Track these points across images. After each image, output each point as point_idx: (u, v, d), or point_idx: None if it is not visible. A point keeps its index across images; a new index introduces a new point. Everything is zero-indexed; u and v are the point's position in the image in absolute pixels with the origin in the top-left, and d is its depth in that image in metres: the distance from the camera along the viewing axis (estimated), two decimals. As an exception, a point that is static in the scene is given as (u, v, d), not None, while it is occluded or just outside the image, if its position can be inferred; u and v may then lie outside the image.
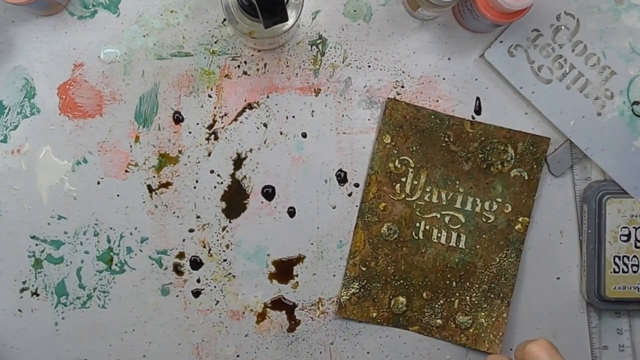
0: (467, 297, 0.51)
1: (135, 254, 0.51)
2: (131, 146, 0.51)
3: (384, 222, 0.51)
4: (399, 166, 0.50)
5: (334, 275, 0.51)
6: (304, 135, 0.51)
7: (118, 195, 0.51)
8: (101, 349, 0.51)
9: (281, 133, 0.51)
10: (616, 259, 0.50)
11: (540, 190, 0.51)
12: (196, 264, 0.51)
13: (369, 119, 0.51)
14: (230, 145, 0.51)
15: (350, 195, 0.51)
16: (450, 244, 0.51)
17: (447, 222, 0.51)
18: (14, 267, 0.51)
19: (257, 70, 0.51)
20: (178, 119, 0.51)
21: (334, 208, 0.51)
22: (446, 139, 0.50)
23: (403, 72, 0.51)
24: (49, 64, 0.50)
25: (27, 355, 0.51)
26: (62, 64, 0.50)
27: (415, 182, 0.51)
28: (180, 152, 0.51)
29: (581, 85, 0.51)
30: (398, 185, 0.51)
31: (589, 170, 0.51)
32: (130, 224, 0.51)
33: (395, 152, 0.50)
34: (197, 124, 0.51)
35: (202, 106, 0.51)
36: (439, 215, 0.51)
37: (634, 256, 0.51)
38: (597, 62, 0.51)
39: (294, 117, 0.51)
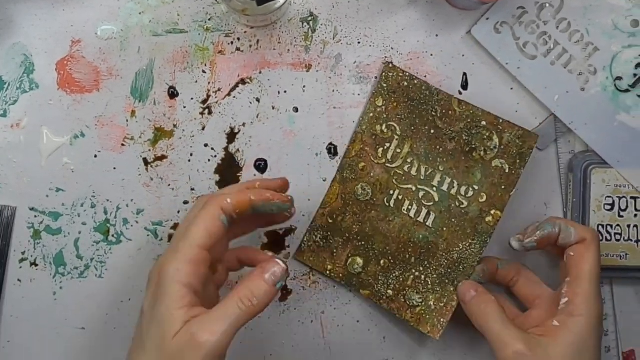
0: (423, 277, 0.51)
1: (132, 225, 0.52)
2: (127, 120, 0.52)
3: (359, 182, 0.51)
4: (385, 130, 0.51)
5: (325, 246, 0.53)
6: (296, 110, 0.52)
7: (115, 168, 0.52)
8: (98, 318, 0.52)
9: (273, 108, 0.52)
10: (600, 227, 0.52)
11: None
12: (191, 235, 0.52)
13: (358, 94, 0.52)
14: (224, 120, 0.52)
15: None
16: (419, 219, 0.51)
17: (420, 197, 0.51)
18: (14, 238, 0.52)
19: (250, 46, 0.52)
20: (173, 94, 0.52)
21: (324, 180, 0.53)
22: (433, 113, 0.51)
23: (392, 48, 0.52)
24: (47, 40, 0.52)
25: (26, 324, 0.52)
26: (60, 40, 0.52)
27: (398, 151, 0.51)
28: (175, 126, 0.52)
29: (565, 61, 0.52)
30: (381, 149, 0.51)
31: (572, 144, 0.53)
32: (126, 196, 0.52)
33: (385, 116, 0.51)
34: (192, 98, 0.52)
35: (196, 81, 0.52)
36: (414, 188, 0.51)
37: (617, 225, 0.52)
38: (581, 39, 0.52)
39: (285, 92, 0.52)
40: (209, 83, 0.52)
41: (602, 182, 0.52)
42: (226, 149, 0.52)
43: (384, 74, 0.51)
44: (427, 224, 0.51)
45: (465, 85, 0.53)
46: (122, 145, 0.52)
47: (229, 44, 0.52)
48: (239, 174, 0.52)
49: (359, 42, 0.52)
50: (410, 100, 0.51)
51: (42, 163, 0.52)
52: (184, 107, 0.52)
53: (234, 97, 0.52)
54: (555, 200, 0.53)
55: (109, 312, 0.52)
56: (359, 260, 0.51)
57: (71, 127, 0.52)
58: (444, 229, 0.51)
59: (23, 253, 0.52)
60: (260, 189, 0.45)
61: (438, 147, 0.51)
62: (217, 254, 0.46)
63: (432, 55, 0.52)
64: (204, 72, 0.52)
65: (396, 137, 0.51)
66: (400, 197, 0.51)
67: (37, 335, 0.52)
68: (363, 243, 0.51)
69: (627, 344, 0.54)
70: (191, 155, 0.52)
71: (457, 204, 0.51)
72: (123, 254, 0.52)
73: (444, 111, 0.51)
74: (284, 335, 0.53)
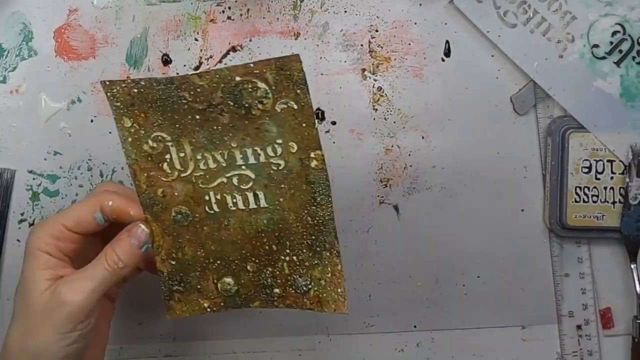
0: (294, 257, 0.45)
1: (126, 188, 0.54)
2: (122, 86, 0.54)
3: (170, 208, 0.45)
4: (154, 145, 0.44)
5: (313, 208, 0.55)
6: (285, 76, 0.54)
7: (110, 133, 0.54)
8: (94, 277, 0.54)
9: (263, 74, 0.54)
10: (577, 189, 0.54)
11: (502, 128, 0.54)
12: (183, 196, 0.55)
13: (345, 61, 0.54)
14: (215, 86, 0.54)
15: (327, 132, 0.54)
16: (251, 207, 0.45)
17: (236, 183, 0.45)
18: (13, 200, 0.54)
19: (241, 15, 0.54)
20: (166, 61, 0.54)
21: (312, 144, 0.55)
22: (184, 101, 0.43)
23: (377, 17, 0.54)
24: (45, 9, 0.54)
25: (25, 282, 0.54)
26: (57, 9, 0.54)
27: (182, 155, 0.44)
28: (168, 92, 0.54)
29: (544, 29, 0.54)
30: (165, 164, 0.45)
31: (551, 109, 0.55)
32: (121, 160, 0.54)
33: (143, 132, 0.44)
34: (184, 65, 0.54)
35: (189, 49, 0.54)
36: (225, 180, 0.45)
37: (594, 187, 0.54)
38: (559, 8, 0.54)
39: (275, 59, 0.54)
40: (200, 50, 0.54)
41: (579, 145, 0.54)
42: (217, 114, 0.54)
43: (108, 94, 0.44)
44: (262, 205, 0.45)
45: (447, 53, 0.55)
46: (118, 110, 0.54)
47: (220, 12, 0.54)
48: (229, 138, 0.55)
49: (345, 11, 0.54)
50: (153, 103, 0.43)
51: (40, 127, 0.54)
52: (177, 74, 0.54)
53: (225, 64, 0.54)
54: (535, 164, 0.55)
55: (105, 271, 0.54)
56: (228, 280, 0.46)
57: (68, 92, 0.54)
58: (280, 199, 0.45)
59: (22, 214, 0.54)
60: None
61: (215, 127, 0.44)
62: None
63: (415, 23, 0.54)
64: (196, 39, 0.54)
65: (169, 144, 0.44)
66: (219, 197, 0.45)
67: (35, 293, 0.54)
68: (219, 262, 0.46)
69: (603, 302, 0.56)
70: (184, 120, 0.54)
71: (275, 168, 0.44)
72: (118, 215, 0.54)
73: (192, 92, 0.43)
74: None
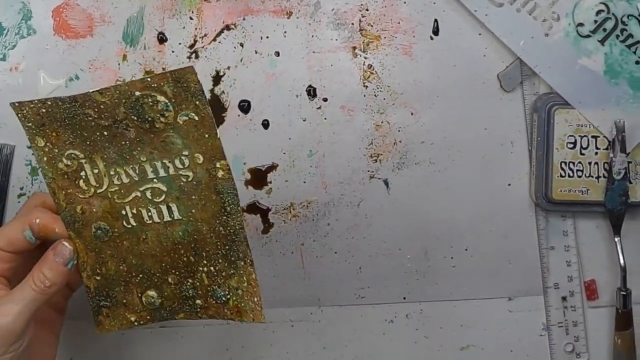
0: (212, 268, 0.46)
1: (123, 163, 0.56)
2: (119, 64, 0.55)
3: (90, 225, 0.46)
4: (69, 163, 0.45)
5: (304, 182, 0.56)
6: (277, 54, 0.56)
7: (107, 109, 0.56)
8: (92, 249, 0.56)
9: (256, 52, 0.56)
10: (563, 164, 0.55)
11: (489, 104, 0.56)
12: (178, 171, 0.56)
13: (336, 39, 0.56)
14: (210, 63, 0.56)
15: (319, 108, 0.56)
16: (166, 219, 0.46)
17: (150, 197, 0.45)
18: (12, 175, 0.56)
19: (234, -6, 0.56)
20: (162, 39, 0.56)
21: (304, 120, 0.56)
22: (90, 118, 0.44)
23: (367, -4, 0.56)
24: (44, -12, 0.55)
25: (24, 254, 0.56)
26: (56, -12, 0.55)
27: (96, 171, 0.45)
28: (164, 69, 0.56)
29: (530, 8, 0.55)
30: (81, 181, 0.46)
31: (537, 86, 0.56)
32: (118, 135, 0.56)
33: (57, 151, 0.45)
34: (180, 43, 0.56)
35: (184, 27, 0.56)
36: (139, 194, 0.46)
37: (579, 162, 0.55)
38: (545, -13, 0.56)
39: (267, 37, 0.56)
40: (195, 29, 0.56)
41: (564, 122, 0.55)
42: (212, 90, 0.56)
43: (18, 114, 0.45)
44: (175, 217, 0.46)
45: (436, 31, 0.56)
46: (114, 87, 0.56)
47: (214, -8, 0.56)
48: (224, 114, 0.56)
49: (336, -9, 0.56)
50: (61, 122, 0.44)
51: (39, 104, 0.55)
52: (172, 52, 0.56)
53: (219, 42, 0.56)
54: (521, 139, 0.56)
55: (102, 243, 0.56)
56: (151, 293, 0.47)
57: (66, 70, 0.55)
58: (193, 211, 0.45)
59: (21, 188, 0.56)
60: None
61: (123, 142, 0.44)
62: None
63: (405, 2, 0.56)
64: (191, 18, 0.56)
65: (83, 161, 0.45)
66: (135, 211, 0.46)
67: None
68: (141, 276, 0.47)
69: (588, 274, 0.57)
70: (179, 96, 0.56)
71: (184, 180, 0.45)
72: (115, 190, 0.56)
73: (96, 109, 0.44)
74: (266, 265, 0.56)
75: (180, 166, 0.44)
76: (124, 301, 0.48)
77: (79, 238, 0.46)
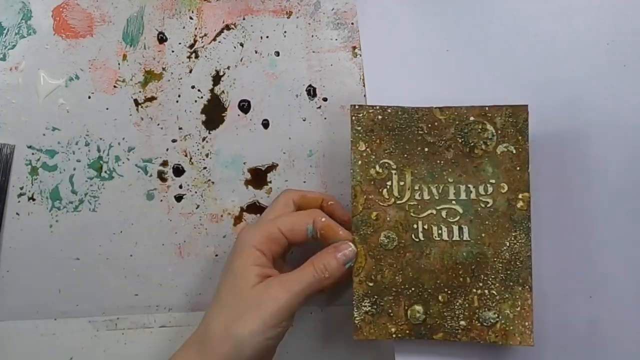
0: (486, 291, 0.48)
1: (123, 162, 0.56)
2: (119, 64, 0.56)
3: (380, 232, 0.49)
4: (380, 171, 0.49)
5: (304, 182, 0.56)
6: (277, 54, 0.56)
7: (107, 109, 0.56)
8: (92, 249, 0.56)
9: (256, 52, 0.56)
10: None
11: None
12: (178, 171, 0.56)
13: (336, 39, 0.56)
14: (210, 63, 0.56)
15: (319, 108, 0.56)
16: (454, 239, 0.49)
17: (444, 216, 0.49)
18: (12, 174, 0.55)
19: (234, -6, 0.56)
20: (162, 39, 0.56)
21: (304, 120, 0.56)
22: (420, 132, 0.49)
23: (367, -4, 0.56)
24: (44, -12, 0.55)
25: (23, 254, 0.55)
26: (56, -12, 0.55)
27: (402, 183, 0.49)
28: (164, 69, 0.56)
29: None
30: (385, 190, 0.49)
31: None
32: (118, 135, 0.56)
33: (373, 157, 0.49)
34: (180, 43, 0.56)
35: (184, 27, 0.56)
36: (434, 212, 0.49)
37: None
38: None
39: (267, 37, 0.56)
40: (195, 29, 0.56)
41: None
42: (212, 90, 0.56)
43: (353, 117, 0.49)
44: (464, 238, 0.49)
45: (436, 31, 0.56)
46: (114, 87, 0.56)
47: (214, -8, 0.56)
48: (223, 114, 0.56)
49: (336, -10, 0.56)
50: (391, 131, 0.49)
51: (39, 104, 0.55)
52: (172, 51, 0.56)
53: (219, 42, 0.56)
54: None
55: (102, 243, 0.56)
56: (418, 308, 0.49)
57: (66, 70, 0.55)
58: (483, 235, 0.48)
59: (21, 188, 0.56)
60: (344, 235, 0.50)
61: (438, 161, 0.49)
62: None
63: (405, 2, 0.56)
64: (191, 18, 0.56)
65: (394, 172, 0.49)
66: (426, 227, 0.49)
67: (34, 265, 0.55)
68: (413, 289, 0.49)
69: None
70: (179, 96, 0.56)
71: (483, 205, 0.48)
72: (115, 189, 0.56)
73: (429, 125, 0.49)
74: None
75: (483, 192, 0.48)
76: (390, 312, 0.49)
77: (362, 243, 0.49)
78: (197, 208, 0.56)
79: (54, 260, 0.55)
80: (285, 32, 0.56)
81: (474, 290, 0.48)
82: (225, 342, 0.45)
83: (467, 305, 0.48)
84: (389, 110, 0.49)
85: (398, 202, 0.49)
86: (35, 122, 0.55)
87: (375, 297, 0.49)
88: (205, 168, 0.56)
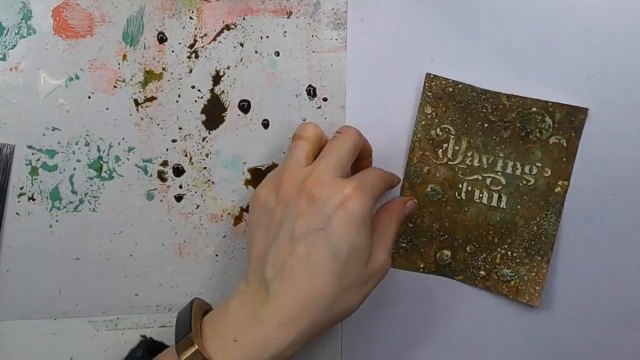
0: (509, 252, 0.54)
1: (123, 162, 0.56)
2: (119, 64, 0.55)
3: (428, 184, 0.55)
4: (440, 133, 0.54)
5: (305, 182, 0.56)
6: (277, 54, 0.56)
7: (107, 109, 0.56)
8: (92, 249, 0.56)
9: (256, 52, 0.56)
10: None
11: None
12: (178, 171, 0.56)
13: (336, 39, 0.56)
14: (210, 63, 0.56)
15: (319, 108, 0.56)
16: (492, 204, 0.54)
17: (488, 184, 0.54)
18: (12, 174, 0.55)
19: (234, -6, 0.56)
20: (162, 39, 0.56)
21: (304, 120, 0.56)
22: (484, 110, 0.53)
23: (367, -4, 0.56)
24: (44, -12, 0.55)
25: (23, 254, 0.55)
26: (56, -12, 0.55)
27: (457, 148, 0.54)
28: (164, 69, 0.56)
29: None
30: (440, 150, 0.54)
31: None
32: (118, 135, 0.56)
33: (437, 121, 0.54)
34: (180, 43, 0.56)
35: (184, 27, 0.56)
36: (480, 178, 0.54)
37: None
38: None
39: (267, 37, 0.56)
40: (195, 29, 0.56)
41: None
42: (212, 90, 0.56)
43: (426, 84, 0.54)
44: (501, 206, 0.54)
45: (436, 31, 0.56)
46: (114, 87, 0.56)
47: (214, -8, 0.56)
48: (223, 114, 0.56)
49: (336, -10, 0.56)
50: (458, 103, 0.53)
51: (39, 104, 0.55)
52: (172, 51, 0.56)
53: (219, 42, 0.56)
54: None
55: (102, 243, 0.56)
56: (447, 252, 0.55)
57: (66, 70, 0.55)
58: (518, 207, 0.54)
59: (21, 188, 0.56)
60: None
61: (494, 137, 0.53)
62: None
63: (405, 2, 0.56)
64: (191, 18, 0.56)
65: (452, 136, 0.54)
66: (469, 189, 0.54)
67: (34, 265, 0.55)
68: (446, 237, 0.55)
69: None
70: (179, 96, 0.56)
71: (525, 182, 0.53)
72: (115, 189, 0.56)
73: (494, 106, 0.53)
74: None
75: (528, 172, 0.53)
76: (422, 250, 0.55)
77: (409, 189, 0.55)
78: (197, 208, 0.56)
79: (54, 260, 0.55)
80: (285, 32, 0.56)
81: (499, 249, 0.54)
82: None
83: (489, 260, 0.54)
84: (460, 86, 0.53)
85: (450, 162, 0.54)
86: (35, 122, 0.55)
87: (412, 236, 0.55)
88: (205, 168, 0.56)
